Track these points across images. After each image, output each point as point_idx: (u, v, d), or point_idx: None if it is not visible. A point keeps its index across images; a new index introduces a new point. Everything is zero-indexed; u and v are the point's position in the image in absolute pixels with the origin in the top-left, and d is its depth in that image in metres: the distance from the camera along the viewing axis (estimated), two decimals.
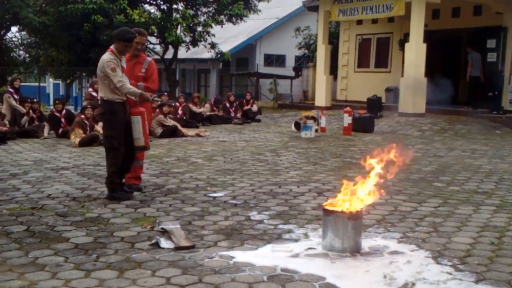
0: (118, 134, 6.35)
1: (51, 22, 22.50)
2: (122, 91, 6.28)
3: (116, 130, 6.36)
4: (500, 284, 3.95)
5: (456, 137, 13.63)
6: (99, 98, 6.45)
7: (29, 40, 29.66)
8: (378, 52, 20.92)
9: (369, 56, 21.20)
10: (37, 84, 27.89)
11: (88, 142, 11.25)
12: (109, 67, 6.21)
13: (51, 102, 27.97)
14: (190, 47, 23.59)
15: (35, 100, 14.51)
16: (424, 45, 15.98)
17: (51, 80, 38.46)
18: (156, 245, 4.72)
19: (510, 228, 5.41)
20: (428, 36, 16.28)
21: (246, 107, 17.89)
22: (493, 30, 17.14)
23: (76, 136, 11.32)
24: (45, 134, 12.71)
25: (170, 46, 23.60)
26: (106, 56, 6.31)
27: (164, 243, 4.74)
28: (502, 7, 16.84)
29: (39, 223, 5.39)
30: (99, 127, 11.97)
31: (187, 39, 23.05)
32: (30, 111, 13.44)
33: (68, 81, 27.79)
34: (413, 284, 3.91)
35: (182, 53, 24.92)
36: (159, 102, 6.88)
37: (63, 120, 12.91)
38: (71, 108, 24.04)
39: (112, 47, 6.44)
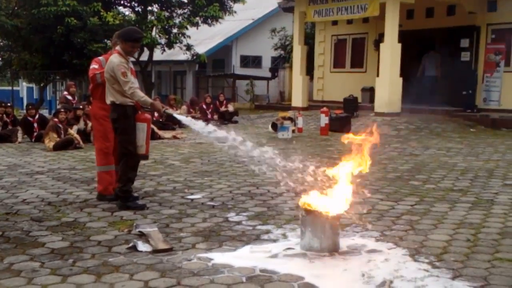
0: (133, 139, 6.05)
1: (23, 25, 22.23)
2: (133, 98, 5.96)
3: (132, 135, 6.05)
4: (477, 280, 3.99)
5: (431, 136, 13.77)
6: (109, 102, 6.09)
7: (1, 43, 29.24)
8: (354, 53, 21.07)
9: (344, 56, 21.33)
10: (10, 88, 27.54)
11: (62, 146, 11.12)
12: (120, 71, 5.88)
13: (25, 106, 27.64)
14: (166, 49, 23.52)
15: (8, 104, 14.30)
16: (399, 45, 16.13)
17: (24, 83, 37.98)
18: (134, 248, 4.67)
19: (485, 225, 5.48)
20: (403, 36, 16.42)
21: (222, 109, 17.87)
22: (466, 29, 17.35)
23: (50, 140, 11.18)
24: (19, 139, 12.54)
25: (145, 48, 23.46)
26: (116, 59, 5.97)
27: (142, 246, 4.70)
28: (474, 7, 17.07)
29: (14, 229, 5.31)
30: (73, 130, 11.86)
31: (163, 41, 22.96)
32: (4, 115, 13.24)
33: (42, 85, 27.46)
34: (391, 282, 3.94)
35: (158, 55, 24.83)
36: (169, 113, 6.56)
37: (35, 125, 12.75)
38: (45, 112, 23.75)
39: (118, 48, 6.12)
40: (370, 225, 5.39)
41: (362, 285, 3.89)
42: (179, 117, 6.79)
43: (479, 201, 6.53)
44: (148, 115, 6.30)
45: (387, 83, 16.15)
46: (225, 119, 17.39)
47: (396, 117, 16.10)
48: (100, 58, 6.78)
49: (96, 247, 4.77)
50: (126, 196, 6.14)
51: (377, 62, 17.58)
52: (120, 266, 4.27)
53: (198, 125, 6.09)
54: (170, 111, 6.66)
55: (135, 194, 6.44)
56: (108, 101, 6.10)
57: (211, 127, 5.97)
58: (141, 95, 6.00)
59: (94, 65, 6.66)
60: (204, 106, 17.48)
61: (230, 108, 18.19)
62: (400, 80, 16.27)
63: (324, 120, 14.09)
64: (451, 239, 5.00)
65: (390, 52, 16.09)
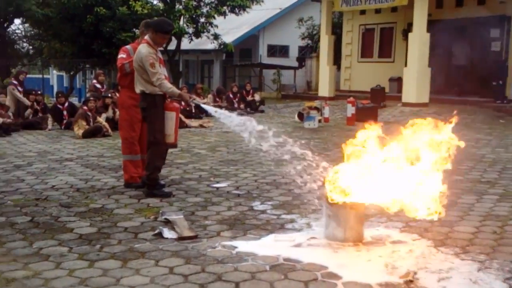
0: (162, 128, 6.07)
1: (54, 14, 22.51)
2: (161, 89, 5.96)
3: (161, 124, 6.07)
4: (502, 273, 3.96)
5: (460, 127, 13.57)
6: (138, 92, 6.10)
7: (32, 32, 29.67)
8: (382, 42, 20.89)
9: (372, 46, 21.15)
10: (40, 76, 27.95)
11: (91, 133, 11.28)
12: (148, 62, 5.88)
13: (55, 94, 28.03)
14: (193, 38, 23.58)
15: (39, 92, 14.55)
16: (428, 35, 15.93)
17: (54, 72, 38.47)
18: (159, 235, 4.74)
19: None
20: (432, 26, 16.21)
21: (248, 98, 17.89)
22: (497, 19, 17.05)
23: (80, 127, 11.35)
24: (50, 126, 12.76)
25: (173, 37, 23.57)
26: (144, 50, 5.97)
27: (167, 233, 4.77)
28: None
29: (43, 214, 5.42)
30: (101, 118, 12.02)
31: (190, 30, 23.03)
32: (34, 103, 13.48)
33: (71, 73, 27.81)
34: (415, 273, 3.93)
35: (185, 44, 24.91)
36: (196, 103, 6.58)
37: (65, 112, 12.95)
38: (75, 100, 24.07)
39: (147, 38, 6.11)
40: (395, 216, 5.36)
41: (386, 276, 3.89)
42: (205, 107, 6.84)
43: (507, 193, 6.45)
44: (176, 104, 6.32)
45: (415, 73, 15.98)
46: (252, 108, 17.40)
47: (424, 107, 15.93)
48: (128, 47, 6.82)
49: (123, 233, 4.85)
50: (152, 184, 6.20)
51: (405, 52, 17.40)
52: (146, 252, 4.34)
53: (224, 115, 6.10)
54: (197, 101, 6.70)
55: (162, 182, 6.50)
56: (137, 90, 6.13)
57: (236, 118, 5.97)
58: (168, 86, 5.99)
59: (122, 55, 6.69)
60: (231, 95, 17.52)
61: (257, 97, 18.21)
62: (429, 70, 16.10)
63: (350, 110, 14.02)
64: (477, 231, 4.96)
65: (419, 42, 15.92)
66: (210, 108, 6.70)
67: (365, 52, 21.43)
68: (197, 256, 4.25)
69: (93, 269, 3.99)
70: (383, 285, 3.73)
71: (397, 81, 18.63)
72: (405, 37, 18.38)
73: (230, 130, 12.21)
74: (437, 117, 14.27)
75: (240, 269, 3.99)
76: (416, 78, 16.00)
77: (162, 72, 6.04)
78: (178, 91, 6.18)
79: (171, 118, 6.13)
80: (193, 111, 14.91)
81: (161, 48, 24.80)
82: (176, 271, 3.96)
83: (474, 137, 11.69)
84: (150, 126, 6.15)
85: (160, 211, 5.49)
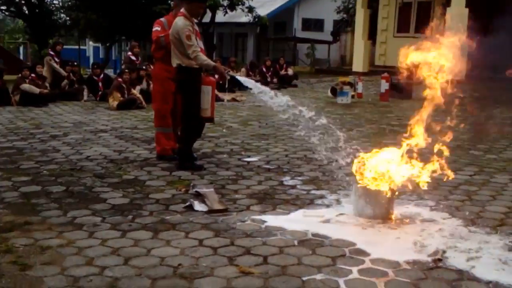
0: (198, 101, 6.07)
1: None
2: (196, 62, 5.92)
3: (196, 98, 6.06)
4: None
5: (496, 104, 13.33)
6: (174, 65, 6.09)
7: (69, 3, 29.95)
8: (419, 17, 20.43)
9: (409, 21, 20.73)
10: (76, 47, 28.25)
11: (126, 105, 11.42)
12: (185, 34, 5.85)
13: (91, 65, 28.35)
14: (228, 11, 23.48)
15: (75, 63, 14.74)
16: (466, 10, 15.55)
17: (91, 43, 38.88)
18: (190, 207, 4.81)
19: None
20: (471, 0, 15.80)
21: (282, 72, 17.81)
22: None
23: (114, 99, 11.49)
24: (85, 97, 12.96)
25: (207, 10, 23.51)
26: (181, 22, 5.93)
27: (198, 206, 4.83)
28: None
29: (77, 184, 5.55)
30: (136, 90, 12.14)
31: (225, 3, 22.94)
32: (71, 74, 13.68)
33: (107, 44, 28.06)
34: (444, 252, 3.91)
35: (220, 17, 24.84)
36: (232, 75, 6.54)
37: (100, 84, 13.12)
38: (110, 71, 24.31)
39: (183, 10, 6.07)
40: (426, 194, 5.33)
41: (414, 254, 3.89)
42: (241, 79, 6.81)
43: None
44: (213, 78, 6.33)
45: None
46: (285, 82, 17.32)
47: (460, 83, 15.62)
48: (162, 19, 6.83)
49: (154, 204, 4.94)
50: (185, 157, 6.25)
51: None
52: (176, 224, 4.42)
53: (260, 89, 6.09)
54: (232, 73, 6.67)
55: (194, 155, 6.57)
56: (174, 64, 6.13)
57: (272, 92, 5.96)
58: (203, 58, 5.95)
59: (156, 27, 6.69)
60: (264, 69, 17.47)
61: (290, 71, 18.11)
62: (466, 46, 15.72)
63: (384, 86, 13.85)
64: (509, 211, 4.90)
65: (457, 16, 15.53)
66: (246, 80, 6.65)
67: (402, 27, 21.01)
68: (226, 229, 4.31)
69: (125, 239, 4.09)
70: (411, 263, 3.73)
71: None
72: (444, 12, 17.96)
73: (263, 104, 12.24)
74: (473, 94, 14.07)
75: (268, 243, 4.04)
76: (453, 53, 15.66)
77: (198, 45, 6.01)
78: (213, 64, 6.11)
79: (207, 92, 6.11)
80: (227, 85, 14.92)
81: (196, 21, 24.80)
82: (205, 243, 4.02)
83: (510, 115, 11.46)
84: (186, 100, 6.16)
85: (191, 184, 5.56)
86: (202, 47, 6.16)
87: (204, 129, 8.86)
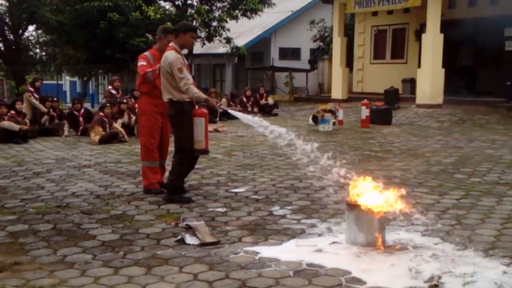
0: (190, 135, 6.06)
1: (67, 20, 22.63)
2: (188, 94, 5.95)
3: (188, 132, 6.06)
4: None
5: (475, 128, 13.55)
6: (166, 100, 6.09)
7: (45, 38, 29.87)
8: (394, 43, 20.83)
9: (385, 47, 21.10)
10: (54, 82, 28.10)
11: (108, 139, 11.36)
12: (176, 67, 5.88)
13: (69, 100, 28.18)
14: (206, 42, 23.62)
15: (55, 98, 14.66)
16: (441, 36, 15.88)
17: (67, 77, 38.72)
18: (182, 241, 4.77)
19: None
20: (444, 26, 16.15)
21: (262, 102, 17.92)
22: (510, 18, 16.94)
23: (96, 134, 11.43)
24: (66, 132, 12.87)
25: None
26: (172, 56, 5.95)
27: (190, 239, 4.80)
28: None
29: (65, 221, 5.47)
30: (117, 124, 12.09)
31: (203, 34, 23.06)
32: (51, 109, 13.59)
33: (85, 79, 27.97)
34: (440, 277, 3.92)
35: (198, 48, 24.94)
36: (224, 109, 6.47)
37: (81, 118, 13.05)
38: (88, 105, 24.19)
39: (172, 44, 6.11)
40: (416, 220, 5.35)
41: (410, 280, 3.89)
42: (236, 114, 6.73)
43: None
44: (205, 110, 6.27)
45: (429, 74, 15.94)
46: (265, 111, 17.43)
47: (438, 108, 15.88)
48: (147, 54, 6.82)
49: (145, 239, 4.88)
50: (174, 189, 6.22)
51: (419, 53, 17.33)
52: (169, 258, 4.37)
53: (256, 122, 6.07)
54: (224, 106, 6.62)
55: (184, 187, 6.54)
56: (165, 98, 6.10)
57: (267, 123, 5.93)
58: (195, 91, 5.96)
59: (142, 62, 6.68)
60: (245, 99, 17.57)
61: (270, 100, 18.24)
62: (442, 71, 16.04)
63: (365, 112, 14.01)
64: (499, 234, 4.94)
65: (432, 42, 15.87)
66: (242, 116, 6.53)
67: (378, 53, 21.38)
68: (220, 262, 4.28)
69: (118, 276, 4.02)
70: None
71: (410, 83, 18.60)
72: (418, 38, 18.33)
73: (245, 135, 12.27)
74: (451, 118, 14.30)
75: (263, 275, 4.01)
76: (429, 79, 15.94)
77: (189, 77, 6.03)
78: (204, 96, 6.11)
79: (200, 124, 6.09)
80: (218, 118, 15.04)
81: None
82: (200, 277, 3.98)
83: (490, 138, 11.65)
84: (178, 133, 6.15)
85: (181, 217, 5.52)
86: (191, 79, 6.16)
87: None
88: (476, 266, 4.14)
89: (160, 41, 6.67)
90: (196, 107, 6.22)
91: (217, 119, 15.05)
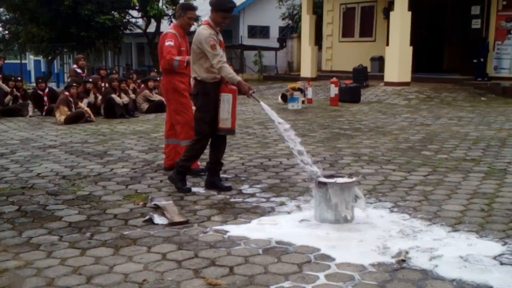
0: (210, 118, 5.63)
1: None
2: (221, 73, 5.52)
3: (210, 114, 5.62)
4: (492, 250, 4.00)
5: (442, 105, 13.71)
6: (192, 78, 5.77)
7: (7, 16, 29.12)
8: (363, 21, 20.85)
9: (353, 25, 21.11)
10: (17, 61, 27.52)
11: (74, 119, 11.17)
12: (209, 43, 5.46)
13: (33, 80, 27.62)
14: (173, 20, 23.32)
15: (18, 78, 14.33)
16: (409, 13, 15.94)
17: (31, 56, 37.93)
18: (150, 221, 4.72)
19: (499, 195, 5.48)
20: (413, 4, 16.22)
21: None
22: None
23: (61, 113, 11.22)
24: (30, 113, 12.61)
25: (152, 20, 23.32)
26: (205, 31, 5.53)
27: (158, 219, 4.75)
28: None
29: (30, 203, 5.37)
30: (83, 104, 11.90)
31: (170, 12, 22.80)
32: (14, 89, 13.28)
33: (49, 58, 27.42)
34: (407, 252, 3.96)
35: (165, 26, 24.59)
36: (255, 97, 5.81)
37: (46, 98, 12.80)
38: (53, 84, 23.74)
39: (208, 19, 5.67)
40: (384, 196, 5.40)
41: (378, 256, 3.92)
42: (266, 108, 5.83)
43: (492, 171, 6.52)
44: (233, 87, 5.64)
45: (397, 52, 16.00)
46: None
47: (406, 86, 16.00)
48: (173, 31, 6.44)
49: (113, 220, 4.82)
50: (181, 171, 5.84)
51: (387, 31, 17.40)
52: (137, 239, 4.32)
53: (280, 123, 5.67)
54: (256, 95, 6.09)
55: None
56: (192, 75, 5.79)
57: (288, 126, 5.60)
58: (229, 71, 5.52)
59: (169, 42, 6.32)
60: None
61: None
62: (410, 49, 16.12)
63: (334, 90, 14.03)
64: (465, 209, 5.01)
65: (400, 20, 15.91)
66: (269, 111, 5.81)
67: (346, 31, 21.38)
68: (189, 242, 4.24)
69: (85, 257, 3.96)
70: (376, 265, 3.75)
71: (379, 61, 18.68)
72: (386, 16, 18.37)
73: None
74: (419, 96, 14.45)
75: (233, 253, 4.00)
76: (398, 57, 16.02)
77: (223, 55, 5.67)
78: (238, 78, 5.59)
79: (227, 100, 5.60)
80: None
81: (140, 31, 24.42)
82: (169, 257, 3.94)
83: (457, 115, 11.80)
84: (197, 114, 5.77)
85: (149, 197, 5.46)
86: (225, 57, 5.71)
87: (157, 140, 8.79)
88: (443, 240, 4.20)
89: (180, 19, 6.48)
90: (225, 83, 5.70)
91: None
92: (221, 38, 5.76)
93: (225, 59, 5.61)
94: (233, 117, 5.68)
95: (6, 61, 20.57)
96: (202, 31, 5.58)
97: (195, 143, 5.82)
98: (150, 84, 13.45)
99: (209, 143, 5.91)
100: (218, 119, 5.63)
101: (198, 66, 5.65)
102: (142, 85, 13.85)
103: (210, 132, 5.73)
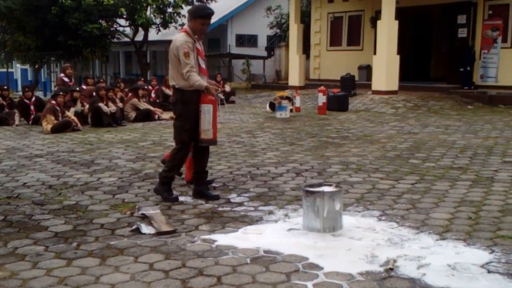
0: (190, 126, 5.62)
1: (17, 6, 21.96)
2: (189, 82, 5.50)
3: (188, 122, 5.61)
4: (479, 258, 4.00)
5: (429, 114, 13.78)
6: (171, 85, 5.74)
7: None
8: (350, 30, 20.96)
9: (341, 34, 21.23)
10: (4, 70, 27.33)
11: (60, 128, 11.10)
12: (183, 51, 5.45)
13: (20, 88, 27.45)
14: (161, 29, 23.34)
15: (5, 87, 14.23)
16: (396, 22, 16.05)
17: (18, 65, 37.68)
18: (137, 231, 4.68)
19: (486, 203, 5.50)
20: (400, 13, 16.33)
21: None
22: (463, 5, 17.28)
23: (48, 122, 11.14)
24: (17, 122, 12.52)
25: (140, 29, 23.29)
26: (182, 38, 5.54)
27: (145, 228, 4.71)
28: None
29: (16, 213, 5.31)
30: (70, 113, 11.83)
31: (158, 20, 22.79)
32: (0, 98, 13.18)
33: (36, 66, 27.25)
34: (395, 260, 3.95)
35: (153, 35, 24.66)
36: (221, 98, 5.84)
37: (32, 107, 12.72)
38: (40, 93, 23.62)
39: (185, 27, 5.69)
40: (372, 205, 5.40)
41: (366, 265, 3.91)
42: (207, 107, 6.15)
43: (479, 179, 6.55)
44: (213, 97, 5.64)
45: (384, 61, 16.09)
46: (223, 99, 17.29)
47: (394, 95, 16.08)
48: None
49: (99, 230, 4.77)
50: (165, 181, 5.80)
51: (374, 40, 17.50)
52: (124, 248, 4.28)
53: None
54: (221, 96, 6.14)
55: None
56: (170, 83, 5.80)
57: None
58: (195, 79, 5.48)
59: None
60: None
61: (227, 88, 18.13)
62: (397, 57, 16.22)
63: (321, 99, 14.07)
64: (452, 217, 5.03)
65: (387, 29, 16.01)
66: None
67: (334, 40, 21.49)
68: (176, 251, 4.21)
69: (71, 267, 3.92)
70: (364, 274, 3.74)
71: (366, 69, 18.79)
72: (373, 25, 18.49)
73: None
74: (406, 104, 14.52)
75: (221, 263, 3.97)
76: (385, 66, 16.11)
77: (199, 64, 5.64)
78: (205, 84, 5.56)
79: (208, 111, 5.57)
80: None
81: (128, 39, 24.33)
82: (156, 267, 3.91)
83: (444, 123, 11.87)
84: (177, 123, 5.76)
85: (136, 206, 5.42)
86: (204, 66, 5.75)
87: (144, 149, 8.76)
88: (430, 249, 4.20)
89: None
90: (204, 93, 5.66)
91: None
92: (200, 47, 5.73)
93: (195, 69, 5.56)
94: (214, 127, 5.68)
95: None
96: (179, 38, 5.60)
97: (176, 152, 5.82)
98: (140, 92, 13.42)
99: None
100: (200, 130, 5.63)
101: (176, 74, 5.64)
102: (130, 94, 13.80)
103: (190, 140, 5.73)
